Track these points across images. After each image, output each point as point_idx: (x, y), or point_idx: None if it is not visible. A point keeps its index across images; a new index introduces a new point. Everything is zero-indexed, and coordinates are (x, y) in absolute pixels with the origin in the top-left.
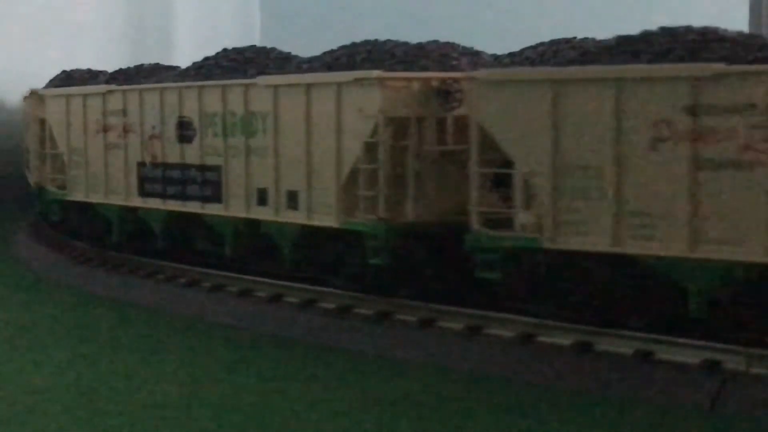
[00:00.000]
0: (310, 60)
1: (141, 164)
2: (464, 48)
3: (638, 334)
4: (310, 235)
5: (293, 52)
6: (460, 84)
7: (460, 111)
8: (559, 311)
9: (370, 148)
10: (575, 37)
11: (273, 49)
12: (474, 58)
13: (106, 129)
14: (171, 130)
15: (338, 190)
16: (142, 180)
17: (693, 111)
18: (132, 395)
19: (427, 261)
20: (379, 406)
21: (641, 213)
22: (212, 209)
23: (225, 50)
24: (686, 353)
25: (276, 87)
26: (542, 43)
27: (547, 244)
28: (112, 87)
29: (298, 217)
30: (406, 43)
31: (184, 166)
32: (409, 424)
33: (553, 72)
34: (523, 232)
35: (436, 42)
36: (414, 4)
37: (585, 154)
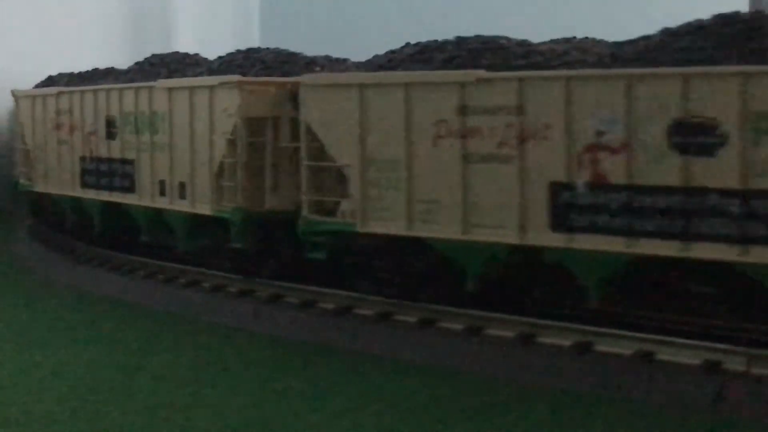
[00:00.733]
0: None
1: (82, 158)
2: (332, 57)
3: (638, 335)
4: (198, 222)
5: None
6: None
7: None
8: (372, 287)
9: (231, 144)
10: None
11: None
12: (339, 65)
13: (58, 127)
14: (101, 128)
15: (211, 181)
16: (83, 172)
17: (462, 112)
18: (132, 395)
19: (283, 244)
20: (379, 406)
21: (427, 201)
22: (129, 199)
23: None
24: (686, 353)
25: (170, 89)
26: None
27: (359, 229)
28: (63, 89)
29: (185, 206)
30: (279, 51)
31: (110, 160)
32: (409, 424)
33: (359, 77)
34: (343, 218)
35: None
36: (414, 5)
37: (384, 149)
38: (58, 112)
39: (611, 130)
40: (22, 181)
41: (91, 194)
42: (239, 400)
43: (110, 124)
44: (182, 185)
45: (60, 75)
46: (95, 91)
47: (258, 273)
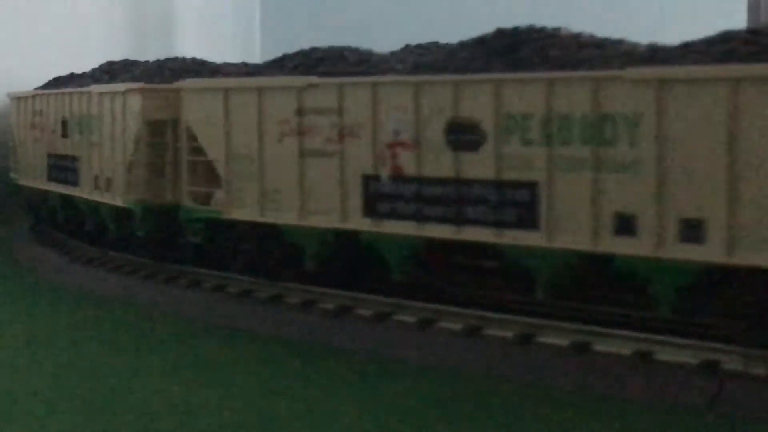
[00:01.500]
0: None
1: (48, 155)
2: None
3: (637, 335)
4: (121, 213)
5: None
6: None
7: None
8: (242, 268)
9: (136, 143)
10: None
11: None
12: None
13: (33, 126)
14: (59, 128)
15: (124, 176)
16: (50, 168)
17: (300, 113)
18: (132, 396)
19: (180, 233)
20: (379, 406)
21: (274, 190)
22: (75, 191)
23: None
24: (685, 353)
25: (100, 94)
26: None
27: (225, 216)
28: (38, 92)
29: (109, 198)
30: (194, 60)
31: (65, 157)
32: (409, 424)
33: (225, 82)
34: (215, 207)
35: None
36: (415, 6)
37: (243, 145)
38: (34, 113)
39: (405, 129)
40: (11, 174)
41: (53, 187)
42: (239, 400)
43: (64, 124)
44: (108, 180)
45: (65, 77)
46: (57, 95)
47: (163, 258)
